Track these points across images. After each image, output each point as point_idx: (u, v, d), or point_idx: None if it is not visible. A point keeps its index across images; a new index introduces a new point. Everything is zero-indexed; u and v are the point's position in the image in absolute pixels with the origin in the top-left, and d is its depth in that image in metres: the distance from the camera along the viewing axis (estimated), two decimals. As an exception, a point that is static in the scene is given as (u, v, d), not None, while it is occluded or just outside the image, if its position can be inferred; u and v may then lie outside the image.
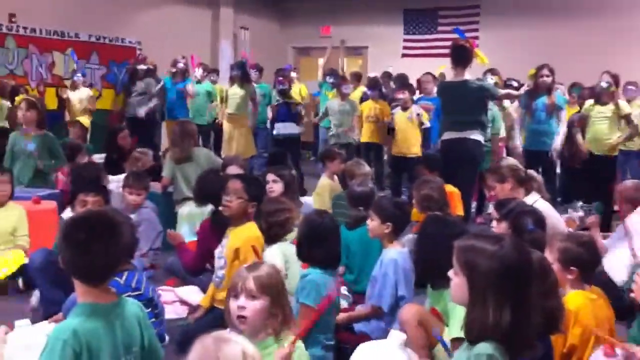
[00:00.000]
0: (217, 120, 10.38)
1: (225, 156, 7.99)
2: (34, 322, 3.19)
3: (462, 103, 6.15)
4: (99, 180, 5.22)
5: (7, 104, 8.77)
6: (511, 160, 5.02)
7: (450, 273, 2.16)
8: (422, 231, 3.49)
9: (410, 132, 8.35)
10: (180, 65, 9.70)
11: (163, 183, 6.28)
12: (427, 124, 8.49)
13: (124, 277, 3.27)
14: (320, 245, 3.37)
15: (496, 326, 1.98)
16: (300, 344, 2.53)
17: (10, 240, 5.03)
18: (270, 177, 5.26)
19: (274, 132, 9.39)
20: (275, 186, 5.14)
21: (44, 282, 4.15)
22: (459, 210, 5.74)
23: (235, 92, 9.36)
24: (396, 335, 2.58)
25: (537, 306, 2.10)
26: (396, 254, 3.76)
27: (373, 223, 3.83)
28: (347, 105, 9.07)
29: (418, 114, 8.31)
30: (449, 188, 5.64)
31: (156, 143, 9.90)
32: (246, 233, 3.89)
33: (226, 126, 9.54)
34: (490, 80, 7.49)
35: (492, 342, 1.99)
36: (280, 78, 9.57)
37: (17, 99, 6.80)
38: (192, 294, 4.58)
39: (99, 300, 2.24)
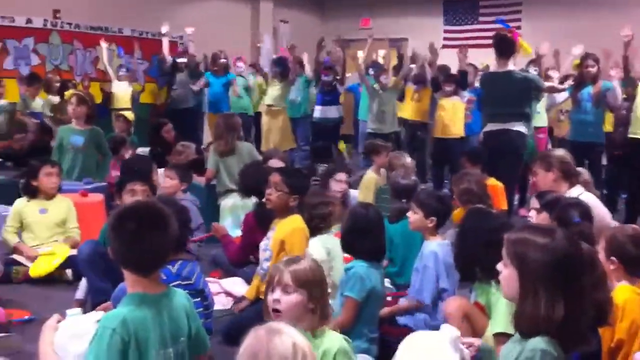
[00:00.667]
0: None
1: (265, 150, 8.04)
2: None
3: (506, 94, 6.07)
4: (149, 172, 5.28)
5: (56, 99, 8.99)
6: (562, 152, 4.90)
7: (500, 266, 2.14)
8: (463, 225, 3.46)
9: (452, 114, 8.43)
10: (222, 60, 9.74)
11: (207, 175, 6.35)
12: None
13: (176, 266, 3.30)
14: (365, 237, 3.37)
15: (549, 320, 1.96)
16: (335, 338, 2.46)
17: (61, 232, 5.15)
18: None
19: (314, 116, 9.54)
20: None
21: (91, 273, 4.21)
22: (502, 204, 5.66)
23: (274, 86, 9.46)
24: (449, 331, 2.53)
25: (588, 299, 2.07)
26: (437, 247, 3.75)
27: (415, 216, 3.83)
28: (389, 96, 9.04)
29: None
30: (492, 182, 5.59)
31: (199, 136, 10.02)
32: (291, 225, 3.90)
33: (265, 119, 9.62)
34: (534, 71, 7.38)
35: (545, 337, 1.97)
36: (323, 69, 9.79)
37: (66, 94, 6.94)
38: (237, 285, 4.63)
39: (148, 291, 2.27)
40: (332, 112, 9.54)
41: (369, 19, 14.94)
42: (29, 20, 10.09)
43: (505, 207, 5.72)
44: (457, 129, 8.42)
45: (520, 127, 6.06)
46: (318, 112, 9.64)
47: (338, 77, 9.93)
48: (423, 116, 9.14)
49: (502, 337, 2.87)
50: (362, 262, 3.33)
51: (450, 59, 11.32)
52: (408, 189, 4.79)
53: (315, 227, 3.96)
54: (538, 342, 1.97)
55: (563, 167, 4.60)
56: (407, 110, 9.21)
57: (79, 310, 2.95)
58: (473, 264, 3.18)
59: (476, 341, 2.65)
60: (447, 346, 2.47)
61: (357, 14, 15.02)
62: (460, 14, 14.12)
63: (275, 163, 6.09)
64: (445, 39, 14.19)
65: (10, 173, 7.17)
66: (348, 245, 3.47)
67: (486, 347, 2.64)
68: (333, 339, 2.40)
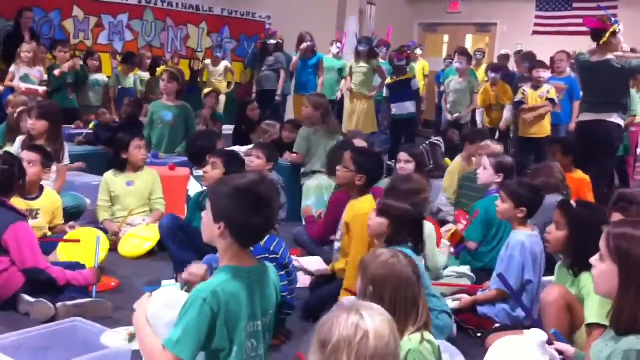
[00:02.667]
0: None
1: (348, 130, 8.02)
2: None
3: (602, 84, 5.85)
4: (213, 149, 5.30)
5: (146, 75, 9.24)
6: None
7: (594, 260, 2.07)
8: (575, 215, 3.31)
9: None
10: (309, 43, 9.58)
11: (296, 159, 6.30)
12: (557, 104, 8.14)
13: (264, 240, 3.30)
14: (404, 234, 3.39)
15: None
16: (412, 338, 2.37)
17: (147, 203, 5.28)
18: (403, 156, 5.25)
19: (392, 112, 9.19)
20: (407, 166, 5.12)
21: (174, 246, 4.31)
22: (588, 199, 5.48)
23: (360, 68, 9.35)
24: (536, 335, 2.44)
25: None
26: (524, 237, 3.66)
27: (504, 206, 3.73)
28: (465, 82, 8.84)
29: (548, 91, 7.98)
30: (579, 175, 5.42)
31: (282, 116, 10.11)
32: (357, 209, 3.88)
33: (348, 102, 9.59)
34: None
35: None
36: (395, 52, 9.30)
37: (158, 70, 7.13)
38: (316, 264, 4.66)
39: (242, 264, 2.31)
40: (405, 108, 9.01)
41: (458, 2, 14.68)
42: (124, -4, 10.40)
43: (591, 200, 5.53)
44: (545, 129, 7.98)
45: (616, 119, 5.84)
46: (394, 109, 9.16)
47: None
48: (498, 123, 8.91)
49: (595, 329, 2.81)
50: (404, 247, 3.18)
51: (540, 47, 11.02)
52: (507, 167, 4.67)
53: None
54: (635, 342, 1.89)
55: None
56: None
57: (172, 281, 3.05)
58: (576, 255, 3.10)
59: (569, 349, 2.56)
60: (536, 350, 2.38)
61: (445, -3, 14.78)
62: (554, -1, 13.67)
63: (358, 143, 6.08)
64: (536, 24, 13.79)
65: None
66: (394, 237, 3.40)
67: (579, 356, 2.54)
68: (409, 339, 2.36)
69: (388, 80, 9.19)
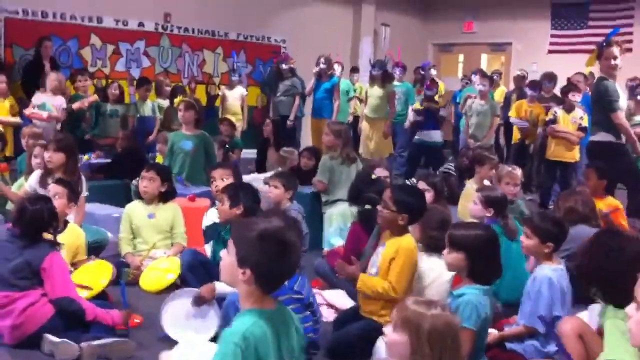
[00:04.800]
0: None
1: (371, 159, 7.99)
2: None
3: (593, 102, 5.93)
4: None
5: (165, 102, 9.29)
6: None
7: (631, 309, 2.02)
8: (594, 242, 3.29)
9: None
10: (321, 66, 9.51)
11: (319, 188, 6.27)
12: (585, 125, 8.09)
13: None
14: (481, 260, 3.21)
15: None
16: None
17: (168, 236, 5.25)
18: (421, 185, 5.21)
19: (416, 137, 9.20)
20: (425, 195, 5.07)
21: (193, 280, 4.36)
22: (623, 226, 5.39)
23: (375, 93, 9.37)
24: None
25: None
26: (551, 272, 3.60)
27: (530, 241, 3.68)
28: (487, 105, 8.82)
29: (581, 117, 7.93)
30: (612, 201, 5.33)
31: (298, 141, 10.11)
32: (403, 242, 3.81)
33: (365, 126, 9.58)
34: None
35: None
36: (429, 82, 9.46)
37: (175, 100, 7.16)
38: (340, 297, 4.62)
39: (265, 306, 2.29)
40: (430, 136, 9.03)
41: (472, 22, 14.69)
42: (141, 24, 10.51)
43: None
44: (574, 153, 7.97)
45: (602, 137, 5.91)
46: (421, 135, 9.15)
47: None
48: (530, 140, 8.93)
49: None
50: (474, 287, 3.21)
51: (556, 65, 10.99)
52: (497, 201, 4.65)
53: (435, 246, 3.89)
54: None
55: None
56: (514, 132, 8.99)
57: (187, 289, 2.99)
58: (599, 284, 3.06)
59: None
60: None
61: (460, 17, 14.80)
62: (569, 17, 13.63)
63: (380, 172, 6.06)
64: (551, 43, 13.77)
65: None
66: (475, 269, 3.23)
67: None
68: None
69: (417, 106, 9.23)
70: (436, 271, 3.89)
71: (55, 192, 4.50)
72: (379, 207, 3.92)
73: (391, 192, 3.89)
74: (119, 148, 7.66)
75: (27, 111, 7.59)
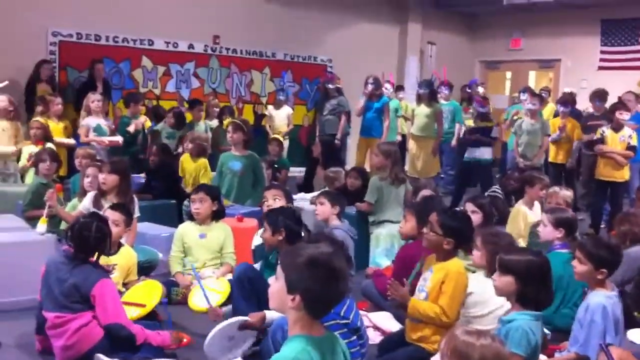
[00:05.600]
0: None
1: (418, 179, 7.97)
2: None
3: None
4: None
5: (214, 122, 9.45)
6: None
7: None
8: None
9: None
10: (369, 86, 9.50)
11: (367, 207, 6.29)
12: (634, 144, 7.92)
13: None
14: (535, 286, 3.16)
15: None
16: None
17: (218, 256, 5.32)
18: (469, 207, 5.18)
19: (466, 155, 9.12)
20: (473, 217, 5.03)
21: (238, 293, 4.34)
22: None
23: (422, 111, 9.35)
24: None
25: None
26: (604, 299, 3.53)
27: (583, 268, 3.60)
28: (537, 124, 8.71)
29: (630, 136, 7.77)
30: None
31: (343, 160, 10.14)
32: (453, 265, 3.80)
33: (412, 145, 9.55)
34: None
35: None
36: (480, 99, 9.41)
37: (225, 122, 7.29)
38: (386, 320, 4.60)
39: (313, 333, 2.30)
40: (481, 153, 8.94)
41: (520, 39, 14.56)
42: (191, 46, 10.72)
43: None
44: (624, 173, 7.79)
45: None
46: (472, 152, 9.06)
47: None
48: (567, 158, 8.77)
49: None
50: (525, 313, 3.16)
51: (607, 82, 10.79)
52: (567, 222, 4.56)
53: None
54: None
55: None
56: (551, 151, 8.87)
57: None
58: None
59: None
60: None
61: (507, 34, 14.70)
62: (620, 33, 13.39)
63: (426, 193, 6.06)
64: (602, 60, 13.55)
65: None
66: (525, 294, 3.17)
67: None
68: None
69: (470, 123, 9.18)
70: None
71: (114, 219, 4.54)
72: (424, 230, 3.92)
73: (438, 216, 3.89)
74: (151, 164, 7.77)
75: (87, 138, 7.70)
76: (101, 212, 4.58)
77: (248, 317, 3.82)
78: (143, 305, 4.28)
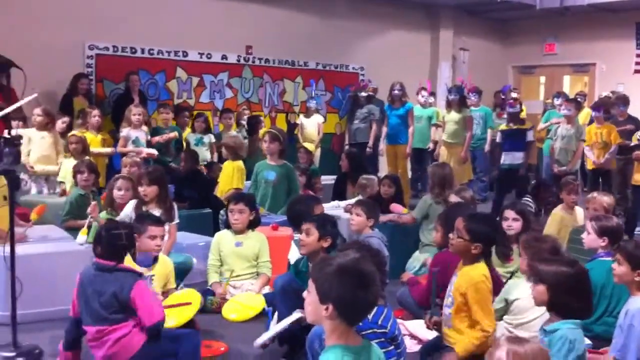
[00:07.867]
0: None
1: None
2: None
3: None
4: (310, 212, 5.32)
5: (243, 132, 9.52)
6: None
7: None
8: None
9: None
10: (395, 92, 9.46)
11: (410, 220, 6.35)
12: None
13: (372, 313, 3.26)
14: (574, 296, 3.11)
15: None
16: None
17: (254, 264, 5.39)
18: (510, 214, 5.15)
19: (502, 162, 8.98)
20: (514, 224, 5.01)
21: (281, 304, 4.37)
22: None
23: (452, 118, 9.33)
24: None
25: None
26: (644, 304, 3.50)
27: (621, 269, 3.57)
28: (573, 129, 8.60)
29: None
30: None
31: (376, 167, 10.16)
32: (473, 277, 3.77)
33: (442, 151, 9.54)
34: None
35: None
36: (511, 100, 9.28)
37: (260, 132, 7.35)
38: (422, 328, 4.59)
39: (349, 342, 2.32)
40: (517, 158, 8.79)
41: (554, 44, 14.42)
42: (224, 57, 10.83)
43: None
44: None
45: None
46: (504, 158, 8.93)
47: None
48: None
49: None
50: (569, 322, 3.09)
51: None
52: (611, 230, 4.49)
53: None
54: None
55: None
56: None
57: None
58: None
59: None
60: None
61: (540, 39, 14.57)
62: (656, 36, 13.20)
63: (453, 199, 6.03)
64: (637, 63, 13.34)
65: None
66: (554, 302, 3.14)
67: None
68: None
69: (503, 127, 9.12)
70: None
71: (157, 234, 4.56)
72: (451, 235, 3.92)
73: (464, 221, 3.88)
74: (181, 170, 7.85)
75: (125, 149, 7.80)
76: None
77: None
78: (188, 303, 4.34)
